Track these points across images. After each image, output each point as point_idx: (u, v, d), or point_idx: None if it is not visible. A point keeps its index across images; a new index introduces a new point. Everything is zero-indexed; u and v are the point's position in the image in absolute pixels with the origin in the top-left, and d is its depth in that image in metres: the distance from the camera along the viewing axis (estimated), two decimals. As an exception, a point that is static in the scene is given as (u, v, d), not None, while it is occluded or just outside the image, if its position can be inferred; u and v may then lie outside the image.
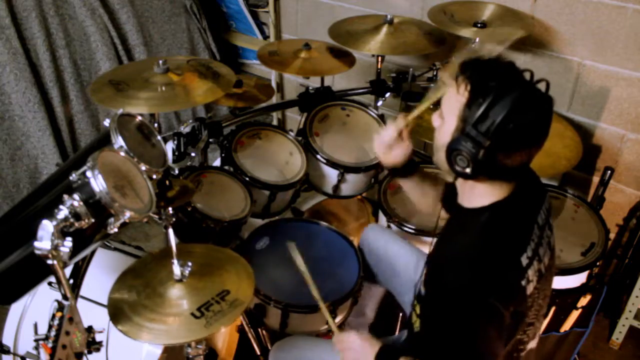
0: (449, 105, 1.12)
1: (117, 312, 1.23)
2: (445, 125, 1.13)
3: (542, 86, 1.10)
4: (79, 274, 1.46)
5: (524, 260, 1.11)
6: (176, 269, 1.31)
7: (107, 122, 1.22)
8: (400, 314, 1.89)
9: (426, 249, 1.85)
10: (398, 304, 1.77)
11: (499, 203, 1.14)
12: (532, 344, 1.31)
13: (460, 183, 1.21)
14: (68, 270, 1.35)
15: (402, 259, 1.71)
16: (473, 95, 1.07)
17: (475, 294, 1.07)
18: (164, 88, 1.62)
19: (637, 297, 2.16)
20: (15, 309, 1.63)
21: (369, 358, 1.24)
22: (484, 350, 1.09)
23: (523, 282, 1.11)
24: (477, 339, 1.08)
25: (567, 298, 1.95)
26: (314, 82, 2.32)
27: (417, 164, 1.50)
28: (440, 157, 1.16)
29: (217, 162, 2.10)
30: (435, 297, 1.15)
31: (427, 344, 1.16)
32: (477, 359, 1.09)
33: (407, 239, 1.84)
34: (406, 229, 1.97)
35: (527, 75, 1.10)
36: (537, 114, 1.07)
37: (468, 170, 1.10)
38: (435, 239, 1.28)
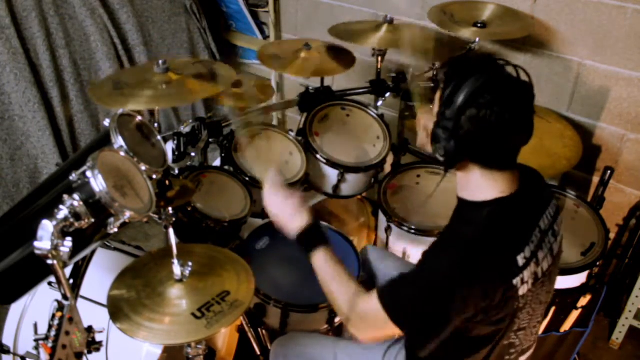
0: (435, 104, 1.15)
1: (117, 311, 1.23)
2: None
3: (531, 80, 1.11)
4: (79, 274, 1.46)
5: (521, 260, 1.11)
6: (176, 269, 1.31)
7: (107, 122, 1.22)
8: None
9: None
10: None
11: (502, 199, 1.14)
12: (528, 354, 1.31)
13: (458, 176, 1.21)
14: (68, 270, 1.35)
15: (397, 270, 1.72)
16: (445, 85, 1.10)
17: (456, 279, 1.07)
18: (164, 86, 1.62)
19: (637, 297, 2.16)
20: (15, 309, 1.63)
21: (292, 227, 1.30)
22: (435, 329, 1.12)
23: (515, 281, 1.11)
24: (436, 317, 1.10)
25: (567, 298, 1.95)
26: (314, 82, 2.32)
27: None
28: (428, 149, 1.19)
29: (217, 162, 2.10)
30: (419, 266, 1.15)
31: (392, 298, 1.15)
32: (425, 334, 1.14)
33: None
34: (406, 228, 1.97)
35: (511, 67, 1.11)
36: (499, 96, 1.06)
37: (445, 157, 1.12)
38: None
